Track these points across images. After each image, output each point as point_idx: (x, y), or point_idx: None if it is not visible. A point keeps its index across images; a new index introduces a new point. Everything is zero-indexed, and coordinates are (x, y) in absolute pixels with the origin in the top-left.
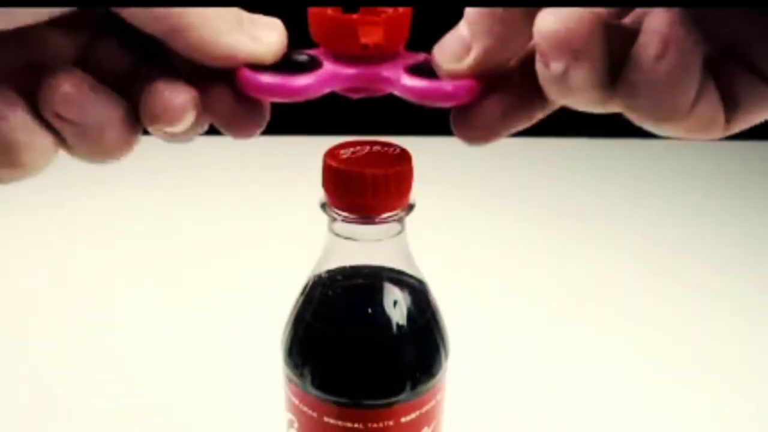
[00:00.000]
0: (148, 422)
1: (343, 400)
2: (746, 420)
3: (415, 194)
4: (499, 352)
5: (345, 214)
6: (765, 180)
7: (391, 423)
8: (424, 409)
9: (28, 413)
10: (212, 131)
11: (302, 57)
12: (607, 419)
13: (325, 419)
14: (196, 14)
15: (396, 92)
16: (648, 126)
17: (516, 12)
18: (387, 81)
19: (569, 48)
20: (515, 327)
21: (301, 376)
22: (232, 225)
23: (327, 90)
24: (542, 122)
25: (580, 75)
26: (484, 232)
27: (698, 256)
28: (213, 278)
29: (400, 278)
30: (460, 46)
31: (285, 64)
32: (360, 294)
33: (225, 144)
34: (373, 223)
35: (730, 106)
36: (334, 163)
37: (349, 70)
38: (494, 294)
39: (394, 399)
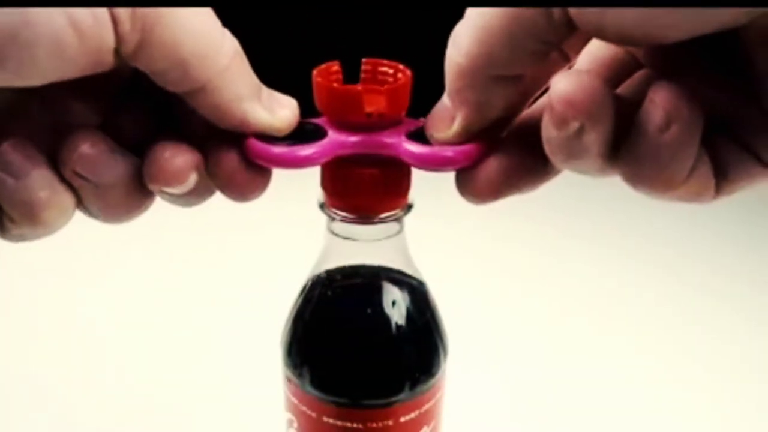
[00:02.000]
0: (148, 422)
1: (342, 400)
2: (747, 420)
3: (415, 194)
4: (499, 352)
5: (343, 213)
6: None
7: (390, 423)
8: (423, 409)
9: (28, 413)
10: None
11: (307, 126)
12: (608, 419)
13: (325, 419)
14: (222, 78)
15: (399, 157)
16: (644, 193)
17: (489, 79)
18: (389, 147)
19: (585, 109)
20: (515, 327)
21: (300, 375)
22: (232, 224)
23: (331, 157)
24: None
25: (592, 138)
26: (484, 231)
27: (698, 255)
28: (212, 278)
29: (399, 278)
30: (445, 115)
31: (291, 134)
32: (359, 294)
33: None
34: (371, 223)
35: (720, 175)
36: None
37: (353, 138)
38: (494, 294)
39: (393, 399)
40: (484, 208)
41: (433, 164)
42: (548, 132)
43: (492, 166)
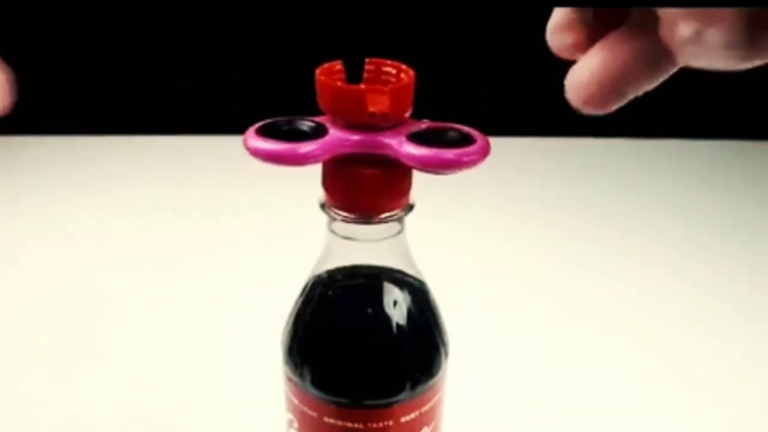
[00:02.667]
0: (148, 422)
1: (342, 400)
2: (747, 421)
3: (416, 193)
4: (500, 353)
5: (344, 213)
6: (762, 179)
7: (390, 423)
8: (423, 409)
9: (27, 415)
10: (213, 131)
11: (308, 124)
12: (608, 420)
13: (325, 419)
14: None
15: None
16: None
17: None
18: (389, 147)
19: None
20: (515, 327)
21: (301, 376)
22: (232, 224)
23: (331, 155)
24: (544, 122)
25: (714, 35)
26: (485, 231)
27: (700, 256)
28: (212, 278)
29: (399, 278)
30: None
31: (291, 131)
32: (359, 294)
33: (224, 143)
34: (372, 222)
35: None
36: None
37: (354, 137)
38: (494, 294)
39: (393, 399)
40: (486, 211)
41: (433, 166)
42: (665, 34)
43: (611, 57)
